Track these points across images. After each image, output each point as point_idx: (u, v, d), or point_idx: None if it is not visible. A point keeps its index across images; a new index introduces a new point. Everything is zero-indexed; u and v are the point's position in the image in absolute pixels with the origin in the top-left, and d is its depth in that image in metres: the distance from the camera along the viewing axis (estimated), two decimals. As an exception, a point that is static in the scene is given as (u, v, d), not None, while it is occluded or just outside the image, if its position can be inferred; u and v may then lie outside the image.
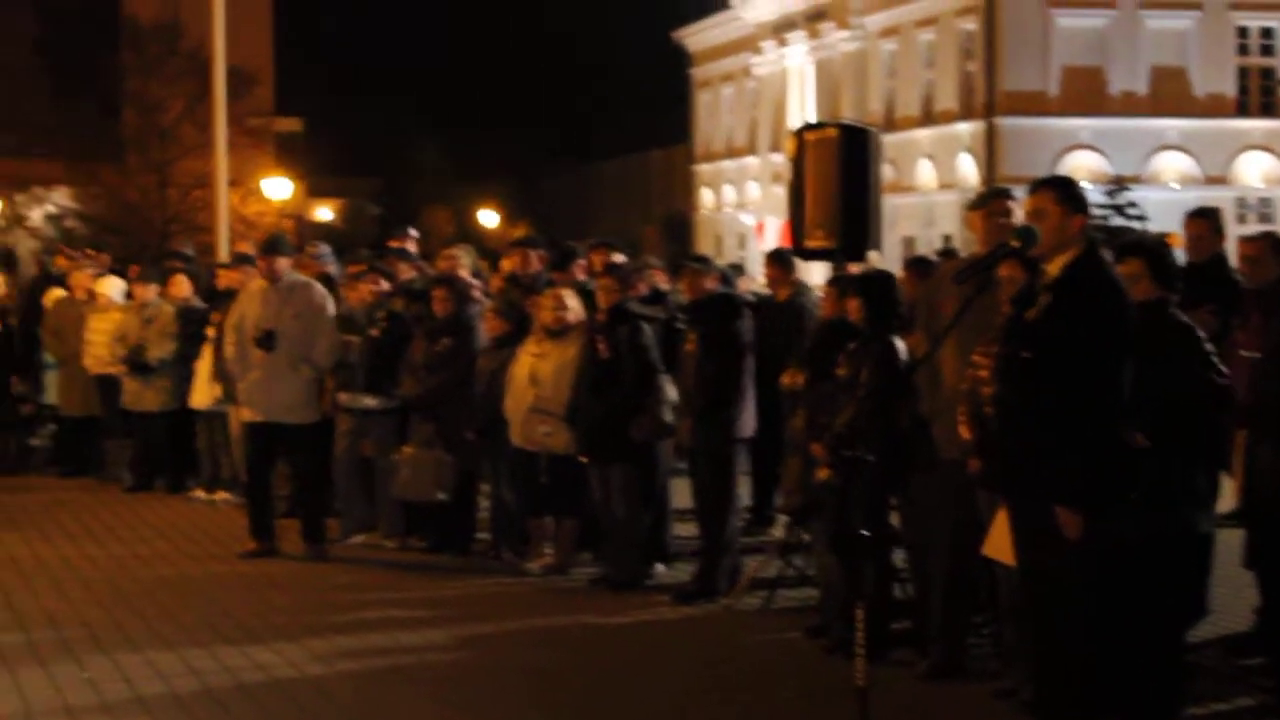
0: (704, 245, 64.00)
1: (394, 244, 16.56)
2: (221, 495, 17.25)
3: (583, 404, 12.86)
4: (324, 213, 79.99)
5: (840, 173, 12.31)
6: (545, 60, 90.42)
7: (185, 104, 56.13)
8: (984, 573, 9.73)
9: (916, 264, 11.60)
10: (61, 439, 20.48)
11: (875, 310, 10.39)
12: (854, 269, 12.48)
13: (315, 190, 75.82)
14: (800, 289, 14.91)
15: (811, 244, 12.68)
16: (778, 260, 15.03)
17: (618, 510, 12.84)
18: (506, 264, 15.31)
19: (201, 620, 11.82)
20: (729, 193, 68.20)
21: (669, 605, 12.28)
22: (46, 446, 21.18)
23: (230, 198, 29.23)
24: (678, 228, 71.92)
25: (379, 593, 12.97)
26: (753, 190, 64.80)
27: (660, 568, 13.30)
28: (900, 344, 10.28)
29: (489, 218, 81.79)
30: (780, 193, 60.45)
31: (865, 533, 9.52)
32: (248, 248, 20.38)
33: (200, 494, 17.55)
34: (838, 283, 11.40)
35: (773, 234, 53.28)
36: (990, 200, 9.67)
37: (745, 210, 64.95)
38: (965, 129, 51.10)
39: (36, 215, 60.22)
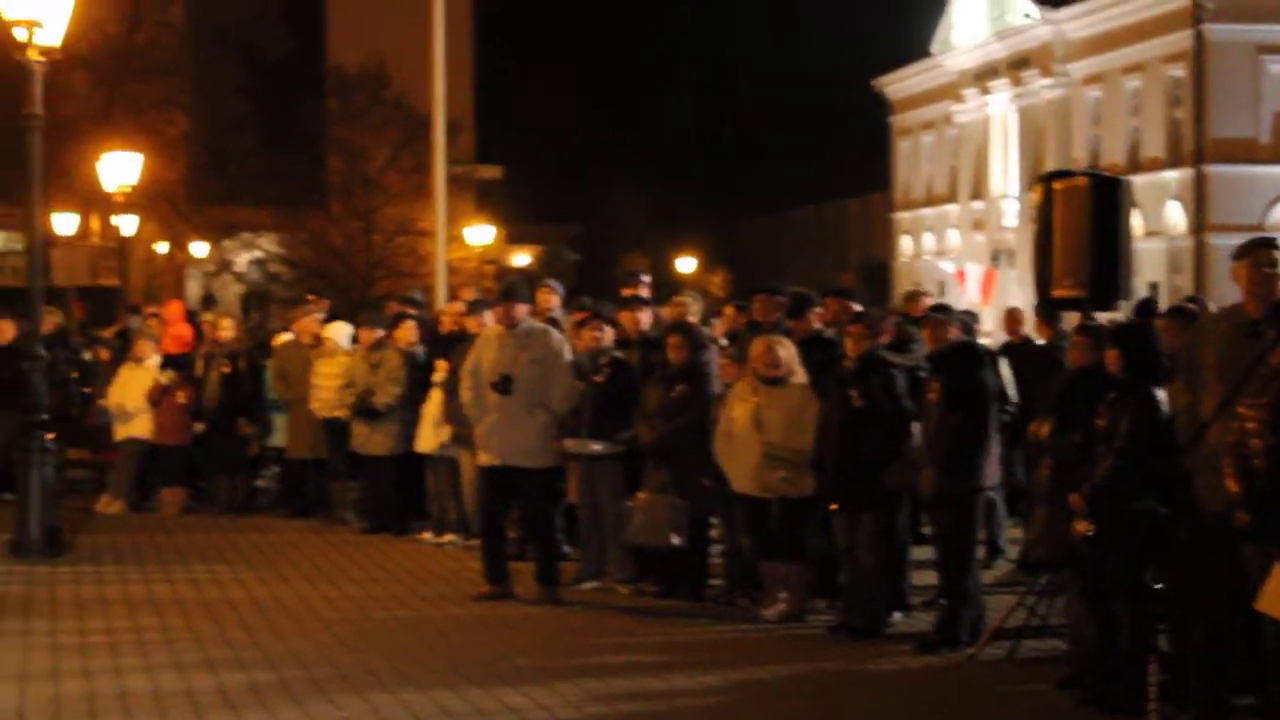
0: (902, 293, 63.77)
1: (628, 292, 16.61)
2: (449, 538, 17.42)
3: (833, 452, 12.82)
4: (522, 259, 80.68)
5: (1090, 221, 12.20)
6: (744, 108, 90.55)
7: (390, 151, 57.01)
8: (1247, 628, 9.55)
9: (1179, 313, 11.47)
10: (285, 480, 20.78)
11: (1134, 361, 10.27)
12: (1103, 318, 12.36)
13: (513, 237, 76.53)
14: (1060, 338, 14.88)
15: (1059, 293, 12.56)
16: (1045, 309, 15.04)
17: (864, 558, 12.75)
18: (755, 312, 15.24)
19: (445, 662, 11.91)
20: (928, 240, 67.95)
21: (911, 654, 12.19)
22: (270, 488, 21.52)
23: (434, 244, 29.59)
24: (875, 274, 71.71)
25: (617, 637, 13.00)
26: (953, 238, 64.49)
27: (898, 616, 13.23)
28: (1161, 394, 10.15)
29: (686, 264, 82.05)
30: (981, 240, 60.21)
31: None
32: (470, 294, 20.58)
33: (428, 536, 17.71)
34: (1089, 332, 11.28)
35: (974, 281, 52.98)
36: (1255, 250, 9.53)
37: (945, 257, 64.62)
38: (1173, 176, 50.44)
39: (242, 260, 61.32)
